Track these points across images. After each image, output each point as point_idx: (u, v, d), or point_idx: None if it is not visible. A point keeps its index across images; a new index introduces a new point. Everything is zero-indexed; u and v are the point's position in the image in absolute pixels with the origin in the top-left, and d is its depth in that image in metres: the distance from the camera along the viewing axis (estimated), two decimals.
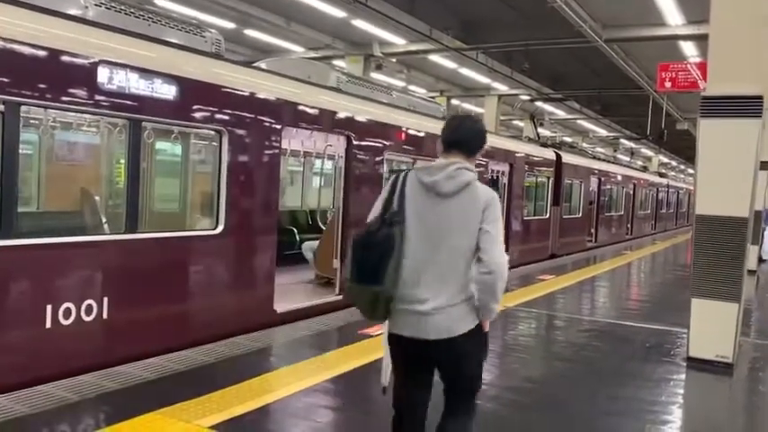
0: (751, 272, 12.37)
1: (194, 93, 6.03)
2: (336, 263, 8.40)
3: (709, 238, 5.67)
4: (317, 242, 9.39)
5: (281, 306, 7.28)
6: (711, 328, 5.69)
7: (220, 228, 6.40)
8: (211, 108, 6.22)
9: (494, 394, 5.02)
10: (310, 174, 12.58)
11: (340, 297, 8.31)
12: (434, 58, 19.77)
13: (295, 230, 10.63)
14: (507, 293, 9.64)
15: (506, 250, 11.78)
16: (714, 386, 5.58)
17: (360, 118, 8.56)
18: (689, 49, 16.27)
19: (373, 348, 5.96)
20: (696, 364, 5.79)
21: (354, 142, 8.35)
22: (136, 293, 5.63)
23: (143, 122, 5.63)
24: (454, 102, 27.05)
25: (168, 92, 5.78)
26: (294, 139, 8.99)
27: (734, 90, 5.50)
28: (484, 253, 2.81)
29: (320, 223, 10.46)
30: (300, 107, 7.48)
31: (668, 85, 8.89)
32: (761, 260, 14.88)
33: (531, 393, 5.04)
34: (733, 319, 5.64)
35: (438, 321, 2.83)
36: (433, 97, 23.24)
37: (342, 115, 8.19)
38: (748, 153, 5.56)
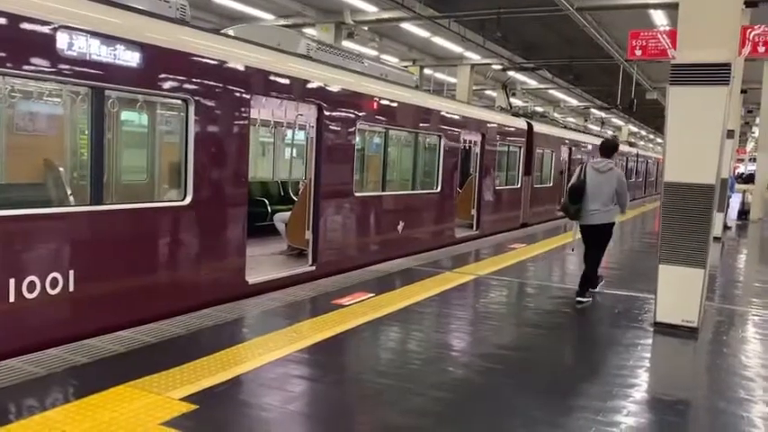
0: (716, 238, 12.66)
1: (159, 60, 5.87)
2: (308, 234, 8.35)
3: (676, 206, 5.76)
4: (288, 213, 9.33)
5: (252, 277, 7.23)
6: (677, 293, 5.82)
7: (188, 199, 6.30)
8: (177, 76, 6.06)
9: (465, 361, 5.08)
10: (282, 144, 12.44)
11: (313, 268, 8.29)
12: (407, 26, 19.55)
13: (267, 202, 10.54)
14: (479, 262, 9.72)
15: (478, 219, 11.91)
16: (680, 350, 5.72)
17: (331, 87, 8.44)
18: (659, 17, 16.35)
19: (346, 318, 5.97)
20: (663, 328, 5.92)
21: (326, 112, 8.25)
22: (102, 266, 5.53)
23: (106, 91, 5.46)
24: (427, 71, 26.88)
25: (132, 59, 5.61)
26: (264, 109, 8.85)
27: (702, 58, 5.54)
28: (619, 196, 7.15)
29: (292, 194, 10.38)
30: (269, 75, 7.34)
31: (639, 53, 8.92)
32: (726, 227, 15.24)
33: (502, 359, 5.11)
34: (698, 284, 5.76)
35: (598, 217, 7.13)
36: (405, 66, 23.06)
37: (312, 84, 8.07)
38: (716, 121, 5.63)
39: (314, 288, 7.26)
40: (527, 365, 5.03)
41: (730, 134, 13.07)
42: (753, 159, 37.09)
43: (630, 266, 10.27)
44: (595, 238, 7.27)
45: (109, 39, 5.39)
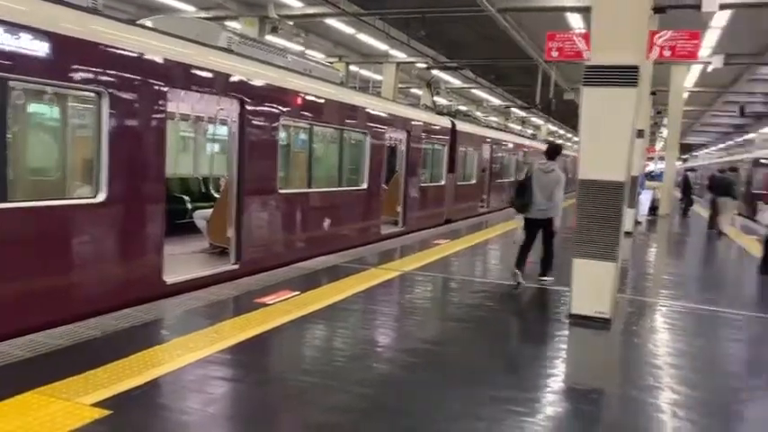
0: (628, 233, 13.30)
1: (69, 51, 5.58)
2: (231, 231, 8.18)
3: (589, 202, 6.00)
4: (210, 211, 9.09)
5: (171, 277, 7.01)
6: (591, 286, 6.07)
7: (102, 196, 6.03)
8: (88, 68, 5.78)
9: (389, 357, 5.11)
10: (203, 139, 12.12)
11: (236, 266, 8.13)
12: (332, 22, 19.45)
13: (187, 198, 10.23)
14: (405, 258, 9.80)
15: (404, 216, 11.98)
16: (593, 341, 5.97)
17: (253, 81, 8.29)
18: (576, 21, 16.99)
19: (270, 317, 5.89)
20: (578, 320, 6.17)
21: (248, 107, 8.09)
22: (6, 267, 5.21)
23: (10, 81, 5.15)
24: (353, 68, 26.85)
25: (39, 49, 5.31)
26: (183, 103, 8.58)
27: (613, 60, 5.79)
28: (554, 195, 7.78)
29: (213, 191, 10.13)
30: (188, 68, 7.12)
31: (555, 54, 9.26)
32: (637, 222, 16.03)
33: (426, 354, 5.17)
34: (610, 277, 6.04)
35: (542, 212, 7.83)
36: (331, 62, 22.95)
37: (234, 78, 7.89)
38: (626, 120, 5.90)
39: (237, 287, 7.12)
40: (450, 359, 5.11)
41: (640, 134, 13.80)
42: (662, 158, 39.26)
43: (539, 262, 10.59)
44: (538, 231, 8.15)
45: (13, 27, 5.08)
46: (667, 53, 10.10)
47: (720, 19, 15.71)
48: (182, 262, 7.99)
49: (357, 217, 11.72)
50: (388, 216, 13.61)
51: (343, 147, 11.32)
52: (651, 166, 34.86)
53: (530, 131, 45.34)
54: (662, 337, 6.22)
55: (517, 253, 8.26)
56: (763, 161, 22.73)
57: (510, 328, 6.25)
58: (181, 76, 7.01)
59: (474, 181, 19.51)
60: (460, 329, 6.07)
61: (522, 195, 7.95)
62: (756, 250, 10.82)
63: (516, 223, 8.47)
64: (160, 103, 6.66)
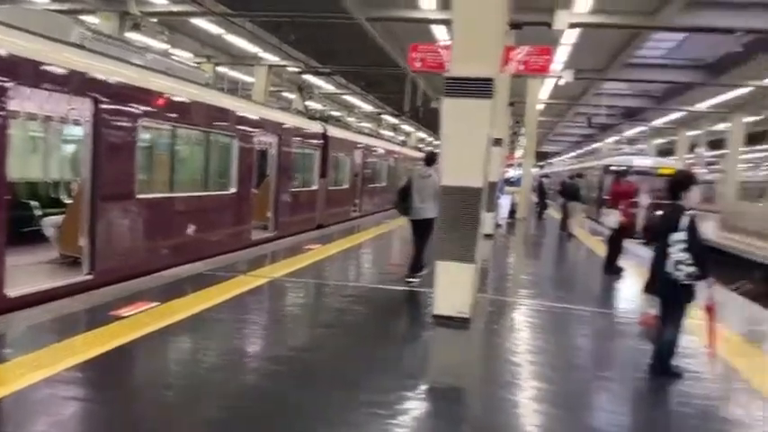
0: (488, 236, 14.02)
1: None
2: (83, 240, 7.64)
3: (450, 207, 6.27)
4: (61, 217, 8.45)
5: (14, 290, 6.43)
6: (452, 287, 6.33)
7: None
8: None
9: (255, 366, 5.02)
10: (55, 140, 11.23)
11: (90, 277, 7.61)
12: (198, 21, 18.80)
13: (35, 204, 9.44)
14: (275, 264, 9.67)
15: (275, 221, 11.78)
16: (455, 340, 6.22)
17: (108, 80, 7.81)
18: (443, 33, 17.67)
19: (126, 330, 5.57)
20: (441, 320, 6.40)
21: (103, 107, 7.61)
22: None
23: None
24: (222, 69, 26.11)
25: None
26: (30, 101, 7.92)
27: (470, 72, 6.09)
28: (432, 198, 8.03)
29: (65, 196, 9.43)
30: (33, 64, 6.58)
31: (418, 65, 9.59)
32: (497, 225, 16.94)
33: (293, 361, 5.13)
34: (470, 278, 6.33)
35: (422, 213, 8.26)
36: (199, 63, 22.18)
37: (86, 76, 7.39)
38: (482, 130, 6.23)
39: (90, 299, 6.66)
40: (317, 366, 5.11)
41: (499, 142, 14.60)
42: (521, 165, 41.82)
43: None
44: (421, 231, 8.60)
45: None
46: (521, 67, 10.78)
47: (570, 37, 17.01)
48: (28, 273, 7.34)
49: (225, 222, 11.41)
50: (258, 221, 13.37)
51: (209, 150, 10.97)
52: (511, 173, 36.99)
53: (401, 138, 46.51)
54: (519, 335, 6.62)
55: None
56: (612, 168, 24.50)
57: (378, 331, 6.36)
58: (26, 72, 6.46)
59: (346, 186, 19.67)
60: (329, 335, 6.09)
61: (404, 200, 8.56)
62: (602, 251, 11.80)
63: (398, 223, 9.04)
64: (2, 100, 6.09)
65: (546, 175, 44.32)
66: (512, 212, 20.31)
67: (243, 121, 11.86)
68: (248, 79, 26.51)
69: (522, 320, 7.29)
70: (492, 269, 10.89)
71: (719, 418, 4.54)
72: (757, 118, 26.59)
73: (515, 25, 14.26)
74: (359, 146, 20.92)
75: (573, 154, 62.27)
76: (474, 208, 6.21)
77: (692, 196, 5.14)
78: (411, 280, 8.42)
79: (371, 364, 5.21)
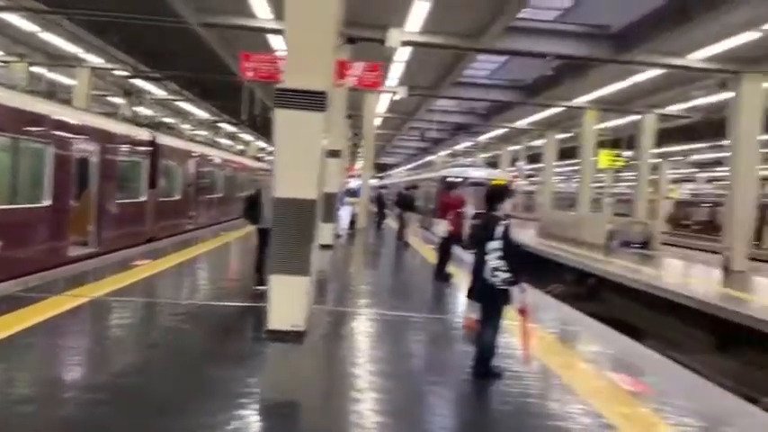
0: (328, 246, 14.11)
1: None
2: None
3: (284, 219, 6.19)
4: None
5: None
6: (286, 301, 6.24)
7: None
8: None
9: (70, 396, 4.57)
10: None
11: None
12: (6, 16, 16.99)
13: None
14: (97, 282, 8.94)
15: (98, 235, 10.94)
16: (289, 355, 6.13)
17: None
18: (280, 42, 17.57)
19: None
20: (275, 335, 6.27)
21: None
22: None
23: None
24: (37, 69, 23.79)
25: None
26: None
27: (303, 85, 6.08)
28: None
29: None
30: None
31: (251, 74, 9.42)
32: (337, 236, 17.10)
33: (114, 389, 4.74)
34: (304, 291, 6.29)
35: (269, 222, 6.94)
36: (7, 62, 20.04)
37: None
38: (315, 142, 6.24)
39: None
40: (141, 391, 4.76)
41: (337, 154, 14.80)
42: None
43: (247, 278, 10.66)
44: (268, 239, 8.72)
45: None
46: (355, 82, 11.03)
47: (403, 54, 17.72)
48: None
49: (37, 238, 10.35)
50: (79, 236, 12.31)
51: (17, 158, 9.90)
52: (352, 184, 37.69)
53: (240, 147, 45.49)
54: (356, 345, 6.69)
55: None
56: (449, 179, 25.43)
57: (208, 350, 6.09)
58: None
59: (179, 197, 18.78)
60: (155, 357, 5.73)
61: (252, 208, 8.92)
62: (433, 258, 12.35)
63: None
64: None
65: (384, 187, 45.68)
66: (352, 223, 20.63)
67: (60, 126, 10.87)
68: (70, 82, 24.41)
69: (360, 330, 7.38)
70: (331, 280, 10.96)
71: (537, 414, 4.91)
72: (568, 135, 29.51)
73: (351, 40, 14.60)
74: (194, 155, 20.10)
75: (410, 166, 64.92)
76: (308, 220, 6.20)
77: (507, 206, 5.54)
78: (259, 288, 8.42)
79: (200, 385, 4.96)
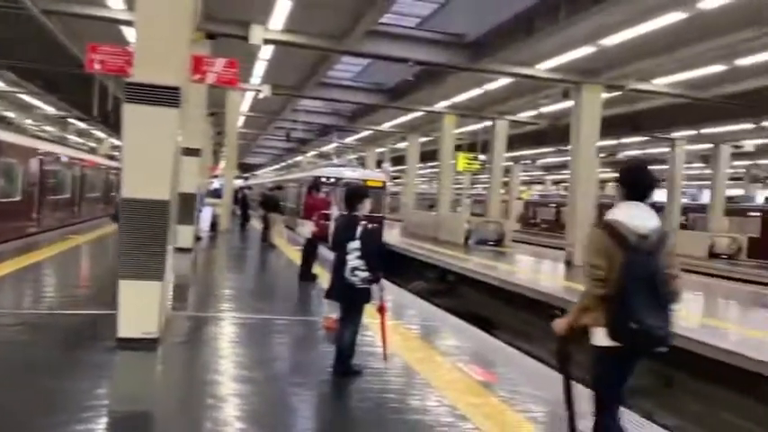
0: (188, 250, 13.56)
1: None
2: None
3: (134, 221, 5.85)
4: None
5: None
6: (138, 307, 5.90)
7: None
8: None
9: None
10: None
11: None
12: None
13: None
14: None
15: None
16: (141, 363, 5.80)
17: None
18: (132, 34, 16.60)
19: None
20: (125, 344, 5.90)
21: None
22: None
23: None
24: None
25: None
26: None
27: (155, 79, 5.79)
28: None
29: None
30: None
31: (98, 66, 8.82)
32: (198, 238, 16.48)
33: None
34: (157, 296, 5.99)
35: None
36: None
37: None
38: (168, 140, 5.97)
39: None
40: None
41: (197, 153, 14.26)
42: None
43: (103, 283, 10.01)
44: None
45: None
46: (212, 78, 10.71)
47: (267, 52, 17.46)
48: None
49: None
50: None
51: None
52: (216, 184, 36.50)
53: (92, 144, 42.52)
54: (218, 351, 6.46)
55: None
56: (323, 179, 24.86)
57: (51, 361, 5.61)
58: None
59: (19, 198, 17.16)
60: None
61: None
62: (299, 260, 12.27)
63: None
64: None
65: (249, 187, 44.73)
66: (213, 225, 19.98)
67: None
68: None
69: (221, 335, 7.17)
70: (191, 284, 10.55)
71: (396, 409, 5.02)
72: (429, 138, 30.59)
73: (211, 35, 14.14)
74: (37, 152, 18.46)
75: (276, 166, 64.10)
76: (160, 222, 5.89)
77: (366, 207, 5.64)
78: None
79: (42, 400, 4.55)
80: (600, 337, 3.49)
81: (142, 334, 5.86)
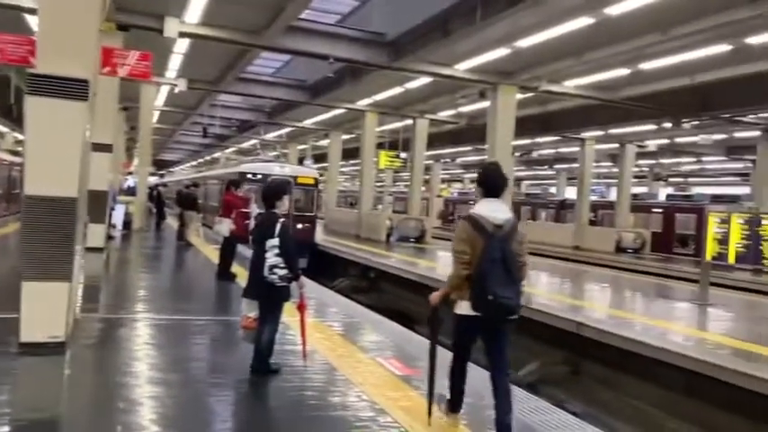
0: (99, 249, 13.00)
1: None
2: None
3: (38, 220, 5.55)
4: None
5: None
6: (43, 310, 5.61)
7: None
8: None
9: None
10: None
11: None
12: None
13: None
14: None
15: None
16: (47, 369, 5.51)
17: None
18: (36, 22, 15.66)
19: None
20: (29, 348, 5.59)
21: None
22: None
23: None
24: None
25: None
26: None
27: (61, 71, 5.52)
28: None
29: None
30: None
31: None
32: (110, 237, 15.82)
33: None
34: (64, 298, 5.71)
35: None
36: None
37: None
38: (76, 134, 5.70)
39: None
40: None
41: (108, 148, 13.68)
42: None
43: (2, 286, 9.43)
44: None
45: None
46: (124, 71, 10.33)
47: (182, 46, 16.96)
48: None
49: None
50: None
51: None
52: (130, 181, 35.08)
53: None
54: (133, 354, 6.24)
55: None
56: (249, 176, 23.47)
57: None
58: None
59: None
60: None
61: None
62: (217, 258, 12.01)
63: None
64: None
65: (164, 184, 43.30)
66: (127, 223, 19.23)
67: None
68: None
69: (136, 337, 6.93)
70: (104, 285, 10.15)
71: (315, 407, 5.02)
72: (352, 136, 30.64)
73: (123, 27, 13.60)
74: None
75: (194, 163, 62.32)
76: (67, 220, 5.62)
77: (285, 204, 5.60)
78: None
79: None
80: (464, 308, 4.26)
81: (48, 338, 5.58)
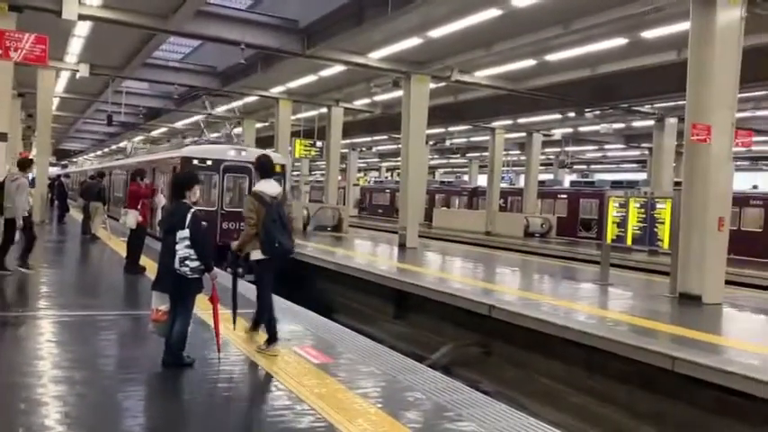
0: None
1: None
2: None
3: None
4: None
5: None
6: None
7: None
8: None
9: None
10: None
11: None
12: None
13: None
14: None
15: None
16: None
17: None
18: None
19: None
20: None
21: None
22: None
23: None
24: None
25: None
26: None
27: None
28: (15, 200, 9.76)
29: None
30: None
31: None
32: None
33: None
34: None
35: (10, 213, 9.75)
36: None
37: None
38: None
39: None
40: None
41: (3, 137, 12.87)
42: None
43: None
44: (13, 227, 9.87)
45: None
46: (18, 55, 9.71)
47: (84, 29, 16.11)
48: None
49: None
50: None
51: None
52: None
53: None
54: (31, 352, 5.93)
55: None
56: (195, 161, 19.09)
57: None
58: None
59: None
60: None
61: None
62: (124, 251, 11.57)
63: None
64: None
65: (67, 175, 41.09)
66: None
67: None
68: None
69: (37, 335, 6.61)
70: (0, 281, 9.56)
71: (230, 398, 4.98)
72: (266, 124, 30.14)
73: (15, 7, 12.76)
74: None
75: (99, 152, 59.40)
76: None
77: (197, 194, 5.49)
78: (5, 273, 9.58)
79: None
80: (258, 255, 5.98)
81: None
